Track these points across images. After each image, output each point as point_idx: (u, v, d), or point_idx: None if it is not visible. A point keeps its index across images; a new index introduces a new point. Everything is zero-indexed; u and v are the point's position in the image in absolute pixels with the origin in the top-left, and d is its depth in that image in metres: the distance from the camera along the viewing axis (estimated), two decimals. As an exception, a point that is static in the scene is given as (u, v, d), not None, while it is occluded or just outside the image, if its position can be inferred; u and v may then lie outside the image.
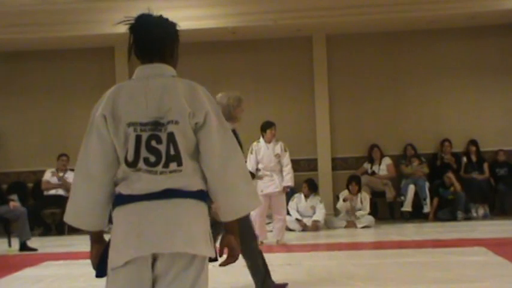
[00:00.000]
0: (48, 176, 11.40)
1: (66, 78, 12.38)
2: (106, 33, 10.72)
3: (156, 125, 2.42)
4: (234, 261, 2.60)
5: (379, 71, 12.05)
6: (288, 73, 12.07)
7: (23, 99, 12.35)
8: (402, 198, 11.41)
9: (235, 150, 2.50)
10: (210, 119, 2.45)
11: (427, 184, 11.31)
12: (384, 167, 11.65)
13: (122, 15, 2.60)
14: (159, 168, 2.41)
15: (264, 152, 8.86)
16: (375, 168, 11.68)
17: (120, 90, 2.49)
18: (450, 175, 11.19)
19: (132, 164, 2.43)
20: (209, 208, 2.53)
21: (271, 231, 9.21)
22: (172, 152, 2.41)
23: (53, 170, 11.46)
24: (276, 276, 5.46)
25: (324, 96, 11.91)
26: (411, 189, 11.30)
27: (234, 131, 4.97)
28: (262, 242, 8.64)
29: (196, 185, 2.45)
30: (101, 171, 2.47)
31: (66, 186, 10.97)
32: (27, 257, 8.48)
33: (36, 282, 6.40)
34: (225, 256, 2.58)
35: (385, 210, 11.66)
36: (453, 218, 10.94)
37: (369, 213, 10.77)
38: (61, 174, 11.36)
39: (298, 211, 10.51)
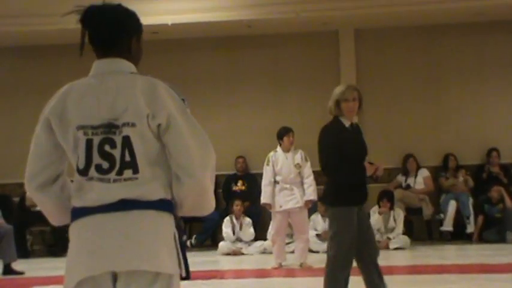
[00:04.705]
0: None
1: (63, 77, 12.14)
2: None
3: (110, 127, 2.46)
4: None
5: (415, 71, 12.02)
6: (311, 73, 12.02)
7: (10, 100, 12.29)
8: (442, 215, 11.31)
9: (208, 146, 2.54)
10: (176, 121, 2.48)
11: (470, 200, 11.23)
12: (420, 180, 11.58)
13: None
14: (112, 175, 2.46)
15: (282, 162, 8.83)
16: (410, 181, 11.60)
17: (71, 90, 2.54)
18: (498, 189, 11.00)
19: (84, 172, 2.49)
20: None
21: (292, 252, 9.21)
22: (127, 158, 2.46)
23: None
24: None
25: (351, 99, 11.81)
26: (452, 205, 11.19)
27: None
28: (280, 265, 8.65)
29: (156, 193, 2.48)
30: (37, 173, 2.60)
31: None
32: (12, 281, 8.48)
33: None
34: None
35: (421, 230, 11.58)
36: (501, 240, 10.81)
37: (403, 233, 10.68)
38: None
39: (317, 235, 10.50)
